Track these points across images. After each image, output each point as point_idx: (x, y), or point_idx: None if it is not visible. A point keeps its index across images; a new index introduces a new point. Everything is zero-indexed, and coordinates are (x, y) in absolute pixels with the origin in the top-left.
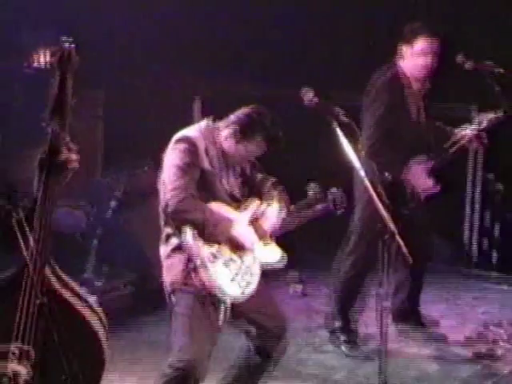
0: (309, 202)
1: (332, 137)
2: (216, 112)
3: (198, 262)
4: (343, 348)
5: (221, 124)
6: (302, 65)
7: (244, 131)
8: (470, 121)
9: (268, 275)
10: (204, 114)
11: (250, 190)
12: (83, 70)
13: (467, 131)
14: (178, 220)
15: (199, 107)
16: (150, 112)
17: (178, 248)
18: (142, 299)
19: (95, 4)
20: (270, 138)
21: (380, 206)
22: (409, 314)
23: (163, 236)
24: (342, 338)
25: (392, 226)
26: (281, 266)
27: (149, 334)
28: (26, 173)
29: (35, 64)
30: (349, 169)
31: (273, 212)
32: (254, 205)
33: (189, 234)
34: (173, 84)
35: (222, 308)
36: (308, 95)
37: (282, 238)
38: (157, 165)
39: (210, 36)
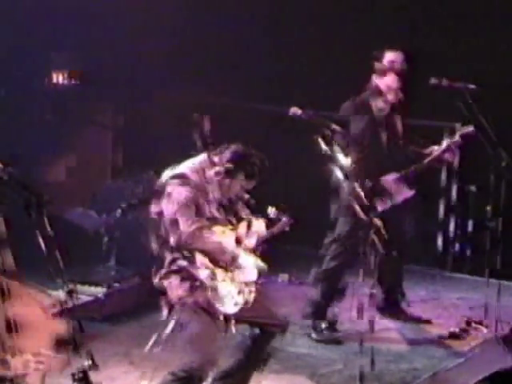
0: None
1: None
2: (222, 127)
3: (198, 283)
4: (313, 335)
5: (216, 159)
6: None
7: (227, 172)
8: (443, 136)
9: None
10: (212, 129)
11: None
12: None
13: (442, 145)
14: (190, 249)
15: (208, 123)
16: (158, 126)
17: (181, 270)
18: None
19: (108, 28)
20: (250, 177)
21: (355, 204)
22: (393, 308)
23: (168, 259)
24: (320, 326)
25: (364, 216)
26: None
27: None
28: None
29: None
30: None
31: (260, 226)
32: (243, 226)
33: (198, 258)
34: (180, 100)
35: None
36: (292, 109)
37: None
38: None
39: (215, 55)
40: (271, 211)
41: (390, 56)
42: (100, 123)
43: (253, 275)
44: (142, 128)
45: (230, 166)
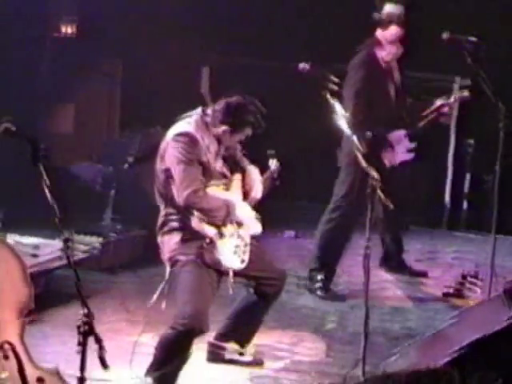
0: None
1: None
2: (221, 79)
3: (207, 241)
4: (318, 292)
5: (209, 113)
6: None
7: (235, 127)
8: (450, 91)
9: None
10: (211, 81)
11: (234, 166)
12: (103, 40)
13: (438, 103)
14: (191, 209)
15: (207, 75)
16: (162, 79)
17: (185, 228)
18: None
19: None
20: (256, 128)
21: (362, 159)
22: (395, 262)
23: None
24: (319, 283)
25: (374, 173)
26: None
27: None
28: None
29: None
30: None
31: (256, 173)
32: (238, 179)
33: (196, 218)
34: (182, 54)
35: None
36: (301, 65)
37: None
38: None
39: (215, 12)
40: (271, 162)
41: (389, 8)
42: (106, 73)
43: (258, 228)
44: (143, 82)
45: (234, 120)
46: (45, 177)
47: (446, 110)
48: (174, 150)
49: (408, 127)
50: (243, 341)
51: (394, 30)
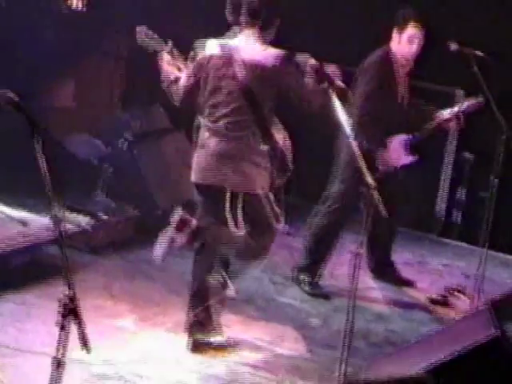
0: None
1: None
2: None
3: None
4: (304, 287)
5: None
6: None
7: None
8: (453, 103)
9: None
10: None
11: None
12: (109, 15)
13: (446, 113)
14: None
15: None
16: None
17: None
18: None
19: None
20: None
21: (361, 162)
22: (385, 269)
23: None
24: (306, 278)
25: (370, 179)
26: None
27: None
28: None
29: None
30: None
31: None
32: None
33: None
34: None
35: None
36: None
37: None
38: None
39: None
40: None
41: (411, 31)
42: (110, 49)
43: None
44: (147, 60)
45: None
46: (41, 151)
47: (457, 119)
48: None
49: (411, 132)
50: None
51: (411, 50)
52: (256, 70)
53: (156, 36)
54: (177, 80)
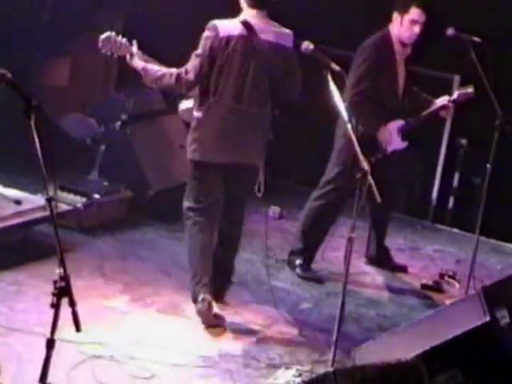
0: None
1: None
2: None
3: None
4: (298, 270)
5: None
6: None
7: None
8: (451, 89)
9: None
10: None
11: None
12: None
13: (438, 101)
14: None
15: None
16: (165, 35)
17: None
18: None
19: None
20: None
21: (357, 147)
22: (380, 255)
23: None
24: (299, 261)
25: (365, 165)
26: None
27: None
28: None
29: None
30: None
31: None
32: None
33: None
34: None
35: None
36: (305, 43)
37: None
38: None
39: None
40: None
41: (413, 14)
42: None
43: None
44: (144, 40)
45: None
46: (35, 130)
47: (447, 108)
48: None
49: (407, 118)
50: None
51: (413, 14)
52: (278, 48)
53: (122, 40)
54: (163, 75)
